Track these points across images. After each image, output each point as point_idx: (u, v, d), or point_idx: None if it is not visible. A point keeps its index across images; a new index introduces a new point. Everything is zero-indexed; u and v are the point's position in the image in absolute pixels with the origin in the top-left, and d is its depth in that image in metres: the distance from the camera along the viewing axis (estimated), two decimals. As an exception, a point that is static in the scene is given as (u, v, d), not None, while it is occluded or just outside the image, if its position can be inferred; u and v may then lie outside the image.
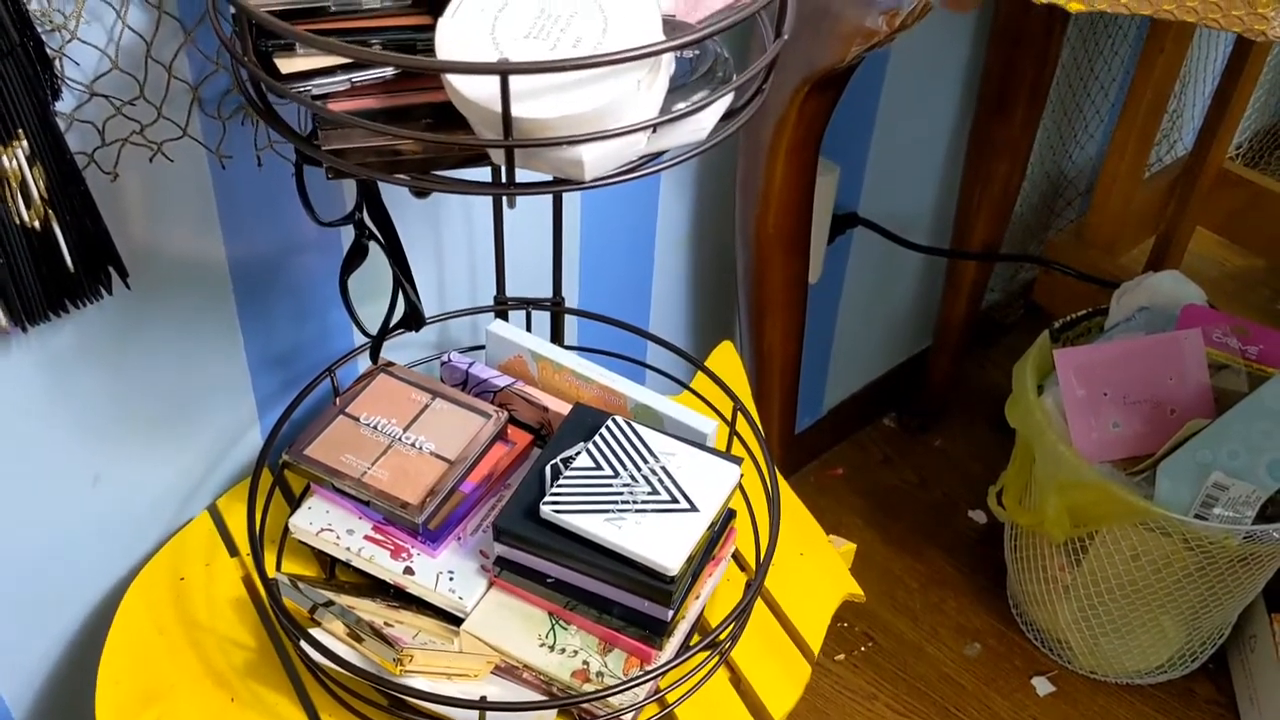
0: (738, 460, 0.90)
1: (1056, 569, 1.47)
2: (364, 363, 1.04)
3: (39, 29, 0.71)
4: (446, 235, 1.06)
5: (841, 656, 1.57)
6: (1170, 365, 1.37)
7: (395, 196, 0.87)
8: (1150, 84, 1.62)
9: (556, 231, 1.01)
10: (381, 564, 0.89)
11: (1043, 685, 1.54)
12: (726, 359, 1.14)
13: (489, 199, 1.03)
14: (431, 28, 0.61)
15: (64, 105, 0.75)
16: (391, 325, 0.90)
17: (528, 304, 1.05)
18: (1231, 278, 2.16)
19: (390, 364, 0.99)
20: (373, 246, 0.84)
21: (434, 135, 0.60)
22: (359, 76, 0.62)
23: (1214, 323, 1.40)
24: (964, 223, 1.61)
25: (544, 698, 0.85)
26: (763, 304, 1.30)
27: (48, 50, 0.72)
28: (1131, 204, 1.77)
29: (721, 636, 0.89)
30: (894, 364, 1.84)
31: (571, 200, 1.14)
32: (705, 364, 1.06)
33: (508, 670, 0.87)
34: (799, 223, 1.23)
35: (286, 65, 0.61)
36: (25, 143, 0.72)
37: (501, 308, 1.05)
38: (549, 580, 0.87)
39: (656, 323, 1.36)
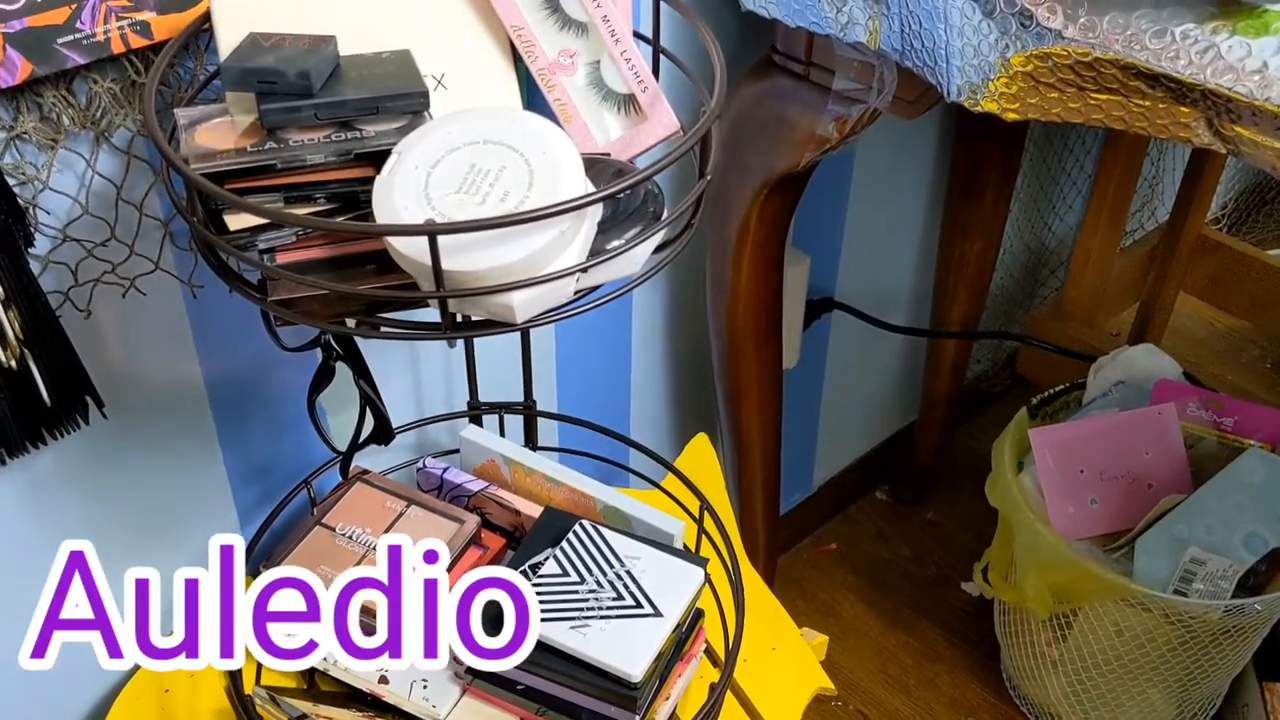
0: (703, 561, 0.92)
1: (1044, 644, 1.47)
2: (343, 471, 1.07)
3: (11, 182, 0.75)
4: (422, 341, 1.09)
5: (836, 735, 1.57)
6: (1146, 440, 1.39)
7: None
8: (1118, 161, 1.65)
9: (525, 340, 1.04)
10: (357, 673, 0.91)
11: (1037, 760, 1.54)
12: (700, 453, 1.16)
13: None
14: (373, 180, 0.65)
15: (38, 249, 0.79)
16: (361, 440, 0.92)
17: (499, 408, 1.08)
18: (1221, 337, 2.18)
19: (366, 472, 1.01)
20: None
21: (370, 289, 0.63)
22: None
23: (1187, 396, 1.42)
24: (941, 302, 1.63)
25: (515, 804, 0.87)
26: (739, 393, 1.32)
27: (20, 201, 0.75)
28: (1109, 275, 1.80)
29: (690, 737, 0.90)
30: (882, 439, 1.86)
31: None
32: (678, 460, 1.08)
33: (480, 777, 0.89)
34: (769, 315, 1.25)
35: (235, 221, 0.64)
36: (0, 288, 0.75)
37: (475, 413, 1.07)
38: (519, 688, 0.88)
39: (637, 415, 1.38)
